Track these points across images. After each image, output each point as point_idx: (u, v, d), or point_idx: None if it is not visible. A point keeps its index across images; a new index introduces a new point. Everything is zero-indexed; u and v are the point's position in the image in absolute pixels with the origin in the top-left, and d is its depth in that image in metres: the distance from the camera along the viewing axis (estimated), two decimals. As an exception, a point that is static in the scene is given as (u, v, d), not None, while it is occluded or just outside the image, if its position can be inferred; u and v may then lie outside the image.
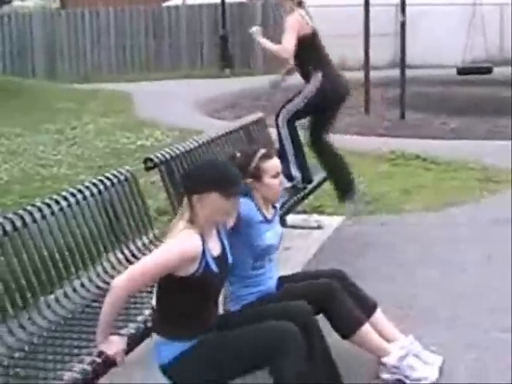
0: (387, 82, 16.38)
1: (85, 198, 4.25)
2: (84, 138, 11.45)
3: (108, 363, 3.22)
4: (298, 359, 3.39)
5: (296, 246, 6.28)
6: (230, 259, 3.55)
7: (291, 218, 6.88)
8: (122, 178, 4.66)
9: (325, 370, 3.69)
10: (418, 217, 7.13)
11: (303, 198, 6.34)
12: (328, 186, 7.51)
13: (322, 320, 3.90)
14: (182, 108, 14.60)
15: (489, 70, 16.40)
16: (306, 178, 6.28)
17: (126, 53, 23.00)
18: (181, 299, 3.34)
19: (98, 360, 3.19)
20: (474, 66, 16.14)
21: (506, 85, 16.81)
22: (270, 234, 3.97)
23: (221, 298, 3.71)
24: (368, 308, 4.14)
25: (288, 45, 6.13)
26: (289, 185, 6.13)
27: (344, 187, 6.67)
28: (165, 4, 24.03)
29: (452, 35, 19.70)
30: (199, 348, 3.38)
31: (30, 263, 3.67)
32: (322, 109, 6.35)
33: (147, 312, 3.61)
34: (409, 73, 15.72)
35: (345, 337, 3.99)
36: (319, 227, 6.79)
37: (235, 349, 3.39)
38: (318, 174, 6.59)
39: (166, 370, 3.42)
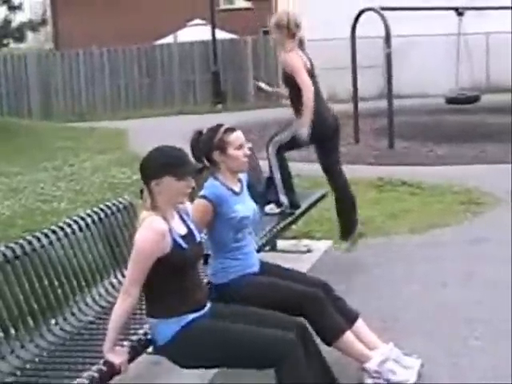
0: (376, 112, 16.78)
1: (87, 225, 4.59)
2: (82, 174, 11.82)
3: (113, 371, 3.54)
4: (300, 365, 3.67)
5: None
6: (199, 238, 3.85)
7: (281, 244, 7.24)
8: (121, 206, 5.01)
9: (324, 380, 3.97)
10: (403, 238, 7.48)
11: (291, 223, 6.65)
12: (316, 212, 7.89)
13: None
14: (175, 143, 14.76)
15: (476, 99, 16.84)
16: (294, 204, 6.58)
17: (120, 91, 23.52)
18: (161, 279, 3.62)
19: (104, 368, 3.50)
20: (462, 96, 16.56)
21: (492, 112, 17.28)
22: (241, 207, 4.31)
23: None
24: (350, 318, 4.47)
25: (307, 84, 6.21)
26: (277, 210, 6.48)
27: (346, 227, 6.79)
28: (157, 42, 24.55)
29: (439, 65, 20.25)
30: (196, 327, 3.67)
31: (31, 289, 3.98)
32: (318, 142, 6.56)
33: (147, 325, 3.91)
34: (397, 103, 16.16)
35: (328, 343, 4.30)
36: (308, 251, 7.12)
37: (235, 345, 3.66)
38: (306, 201, 6.90)
39: (163, 349, 3.72)
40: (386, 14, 13.80)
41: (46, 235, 4.26)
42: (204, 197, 4.27)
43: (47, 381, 3.49)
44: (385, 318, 5.37)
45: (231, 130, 4.37)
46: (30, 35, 37.29)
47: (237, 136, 4.35)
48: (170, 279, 3.66)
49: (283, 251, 7.11)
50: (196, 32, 24.27)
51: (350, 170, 11.02)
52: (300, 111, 6.36)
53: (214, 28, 22.44)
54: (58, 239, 4.32)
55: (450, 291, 5.93)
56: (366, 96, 18.88)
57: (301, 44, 6.41)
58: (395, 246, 7.24)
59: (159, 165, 3.65)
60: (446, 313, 5.47)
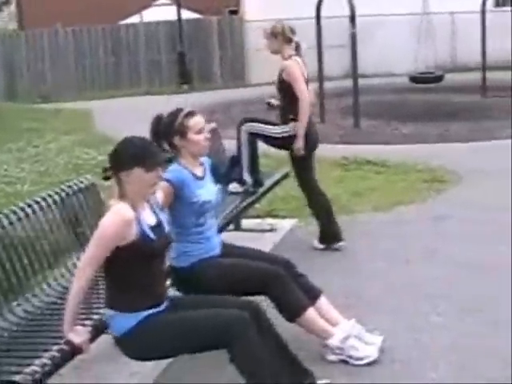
0: (342, 92, 16.80)
1: (48, 205, 4.58)
2: (46, 155, 11.72)
3: (74, 351, 3.54)
4: (252, 344, 3.68)
5: (249, 247, 6.60)
6: (167, 229, 3.85)
7: (245, 223, 7.26)
8: (82, 186, 5.00)
9: (284, 359, 3.94)
10: (367, 216, 7.54)
11: (254, 202, 6.68)
12: (280, 190, 7.91)
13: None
14: (142, 123, 14.68)
15: (440, 78, 16.94)
16: (258, 183, 6.60)
17: (86, 71, 23.30)
18: (125, 269, 3.61)
19: (65, 348, 3.50)
20: (425, 76, 16.62)
21: (456, 91, 17.39)
22: (203, 191, 4.33)
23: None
24: (313, 295, 4.51)
25: (303, 94, 6.18)
26: (240, 189, 6.48)
27: (327, 237, 6.57)
28: (122, 22, 24.34)
29: (404, 44, 20.30)
30: (152, 323, 3.66)
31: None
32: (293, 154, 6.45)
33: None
34: (363, 82, 16.21)
35: (290, 320, 4.34)
36: (272, 230, 7.15)
37: (188, 331, 3.67)
38: (269, 180, 6.93)
39: (119, 342, 3.72)
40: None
41: (7, 216, 4.24)
42: (166, 180, 4.27)
43: (9, 361, 3.48)
44: (348, 294, 5.43)
45: (191, 114, 4.36)
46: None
47: (197, 120, 4.35)
48: (134, 270, 3.63)
49: (247, 230, 7.13)
50: (162, 12, 24.07)
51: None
52: (288, 120, 6.33)
53: (179, 8, 22.30)
54: (19, 219, 4.30)
55: (412, 268, 6.00)
56: (333, 75, 18.93)
57: (297, 49, 6.37)
58: (359, 223, 7.29)
59: (128, 156, 3.63)
60: (409, 289, 5.54)
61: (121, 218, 3.55)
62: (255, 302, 4.00)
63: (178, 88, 22.06)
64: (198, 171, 4.41)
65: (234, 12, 24.80)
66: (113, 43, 23.32)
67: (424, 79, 17.22)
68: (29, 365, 3.35)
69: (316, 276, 5.65)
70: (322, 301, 4.57)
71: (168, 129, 4.31)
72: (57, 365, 3.44)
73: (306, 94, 6.20)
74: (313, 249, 6.53)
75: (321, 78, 14.73)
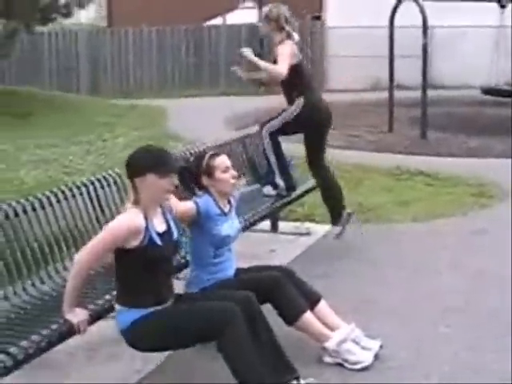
0: (415, 101, 16.80)
1: (74, 195, 4.88)
2: (112, 149, 12.14)
3: (72, 331, 3.81)
4: (240, 334, 3.89)
5: (281, 249, 6.83)
6: (176, 235, 4.09)
7: (283, 225, 7.46)
8: (111, 180, 5.27)
9: (271, 354, 4.11)
10: (404, 226, 7.63)
11: (286, 205, 6.87)
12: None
13: (268, 309, 4.46)
14: (213, 123, 15.18)
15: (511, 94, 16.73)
16: (290, 187, 6.77)
17: (167, 70, 23.82)
18: (132, 271, 3.89)
19: (63, 327, 3.78)
20: (497, 88, 16.44)
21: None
22: (227, 226, 4.55)
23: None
24: (312, 300, 4.65)
25: (282, 69, 6.37)
26: (273, 192, 6.68)
27: (335, 214, 6.86)
28: (206, 23, 24.79)
29: (481, 57, 20.09)
30: (153, 316, 3.92)
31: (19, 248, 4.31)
32: (307, 131, 6.69)
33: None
34: (437, 93, 16.21)
35: (289, 323, 4.51)
36: (307, 234, 7.31)
37: (181, 322, 3.91)
38: (303, 184, 7.10)
39: (124, 333, 3.98)
40: (431, 4, 13.84)
41: (40, 200, 4.57)
42: (196, 202, 4.51)
43: (9, 334, 3.78)
44: (362, 300, 5.56)
45: (216, 154, 4.59)
46: (91, 13, 37.90)
47: (222, 160, 4.57)
48: (140, 272, 3.89)
49: (283, 233, 7.32)
50: (245, 15, 24.43)
51: (374, 158, 11.40)
52: (293, 101, 6.55)
53: (260, 11, 22.52)
54: (42, 208, 4.59)
55: (435, 279, 6.07)
56: (408, 85, 18.90)
57: (288, 37, 6.50)
58: (394, 232, 7.39)
59: (142, 163, 3.89)
60: (425, 300, 5.62)
61: (128, 225, 3.81)
62: (246, 294, 4.17)
63: (255, 90, 22.31)
64: (226, 207, 4.62)
65: (317, 18, 24.94)
66: (195, 44, 23.79)
67: (497, 92, 17.04)
68: (25, 338, 3.63)
69: (335, 280, 5.88)
70: (322, 305, 4.69)
71: (195, 170, 4.55)
72: (52, 342, 3.72)
73: (283, 69, 6.32)
74: (340, 254, 6.66)
75: (391, 87, 14.78)
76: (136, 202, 3.90)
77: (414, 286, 5.93)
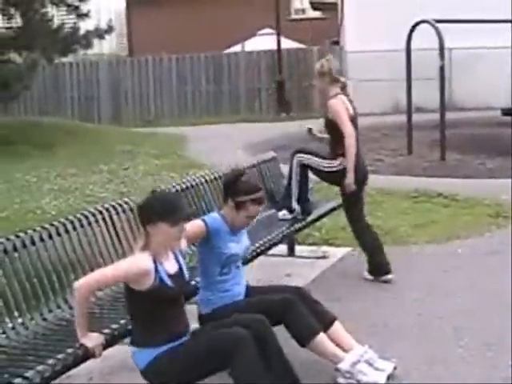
0: (435, 124, 16.84)
1: (90, 223, 4.99)
2: (132, 177, 12.30)
3: (87, 355, 3.90)
4: (251, 361, 3.95)
5: (297, 272, 6.89)
6: (187, 276, 4.19)
7: (300, 249, 7.52)
8: (126, 207, 5.38)
9: (282, 376, 4.19)
10: (420, 248, 7.67)
11: (302, 229, 6.93)
12: (341, 219, 8.13)
13: (282, 331, 4.52)
14: (232, 150, 15.30)
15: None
16: (306, 211, 6.85)
17: (187, 97, 24.07)
18: (144, 311, 3.98)
19: (78, 351, 3.87)
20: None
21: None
22: (234, 244, 4.63)
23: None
24: (327, 321, 4.70)
25: (349, 132, 6.34)
26: (289, 216, 6.76)
27: (376, 269, 6.68)
28: (226, 51, 25.05)
29: (500, 78, 20.13)
30: (168, 354, 4.00)
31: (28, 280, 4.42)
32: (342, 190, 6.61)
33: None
34: (455, 115, 16.24)
35: (302, 345, 4.56)
36: (324, 257, 7.37)
37: (197, 356, 3.99)
38: (319, 208, 7.17)
39: (144, 374, 4.07)
40: (448, 26, 13.92)
41: (57, 228, 4.67)
42: (203, 220, 4.60)
43: (26, 359, 3.87)
44: (376, 322, 5.62)
45: (258, 202, 4.61)
46: (113, 42, 38.40)
47: (257, 210, 4.63)
48: (152, 312, 3.98)
49: (300, 257, 7.39)
50: (264, 41, 24.66)
51: (393, 181, 11.46)
52: (336, 156, 6.51)
53: (279, 37, 22.79)
54: (59, 235, 4.71)
55: (448, 301, 6.11)
56: (427, 108, 18.96)
57: (343, 89, 6.54)
58: (409, 255, 7.44)
59: (154, 211, 3.97)
60: (439, 321, 5.66)
61: (137, 268, 3.90)
62: (259, 317, 4.25)
63: (275, 116, 22.50)
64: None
65: (336, 42, 25.12)
66: (214, 71, 24.03)
67: (515, 112, 17.05)
68: (42, 363, 3.73)
69: (350, 302, 5.94)
70: (336, 327, 4.73)
71: (232, 191, 4.60)
72: (68, 366, 3.81)
73: (350, 128, 6.36)
74: (356, 277, 6.72)
75: (409, 109, 14.84)
76: (145, 247, 3.99)
77: (427, 308, 5.96)
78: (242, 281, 4.76)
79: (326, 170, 6.59)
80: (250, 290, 4.79)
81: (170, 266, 4.07)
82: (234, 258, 4.64)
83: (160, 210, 3.96)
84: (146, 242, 3.99)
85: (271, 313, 4.44)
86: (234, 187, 4.61)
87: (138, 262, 3.93)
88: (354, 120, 6.49)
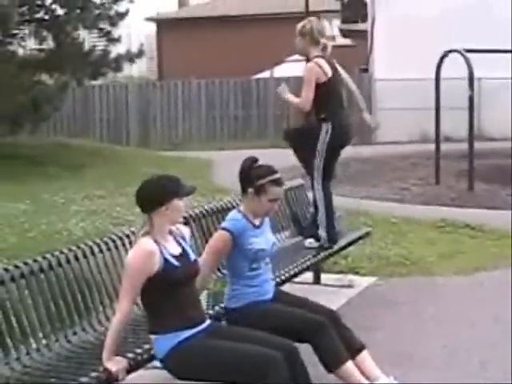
0: (464, 154, 16.77)
1: (109, 249, 4.99)
2: (159, 201, 12.30)
3: (110, 379, 3.90)
4: (282, 379, 3.94)
5: (323, 300, 6.76)
6: (193, 257, 4.20)
7: (326, 278, 7.49)
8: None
9: None
10: (445, 279, 7.62)
11: (328, 257, 6.90)
12: (367, 248, 8.13)
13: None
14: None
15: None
16: (332, 239, 6.81)
17: (216, 122, 24.17)
18: (156, 296, 4.01)
19: (102, 374, 3.87)
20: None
21: None
22: (259, 240, 4.62)
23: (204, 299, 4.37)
24: (355, 348, 4.68)
25: (306, 98, 6.43)
26: (316, 245, 6.73)
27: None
28: (254, 77, 25.17)
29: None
30: (192, 345, 4.00)
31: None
32: (330, 152, 6.67)
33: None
34: (484, 145, 16.18)
35: (329, 370, 4.54)
36: (350, 286, 7.33)
37: (227, 360, 3.97)
38: (346, 237, 7.15)
39: (164, 362, 4.07)
40: (479, 56, 13.90)
41: (76, 253, 4.69)
42: (225, 228, 4.61)
43: (50, 381, 3.88)
44: (401, 352, 5.58)
45: (278, 183, 4.61)
46: (143, 65, 38.75)
47: (277, 192, 4.62)
48: (164, 296, 4.01)
49: (326, 285, 7.36)
50: (293, 68, 24.70)
51: (421, 211, 11.41)
52: (320, 122, 6.57)
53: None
54: (76, 259, 4.71)
55: (474, 332, 6.06)
56: (456, 137, 18.92)
57: (324, 50, 6.55)
58: (436, 286, 7.39)
59: (167, 190, 4.06)
60: (465, 353, 5.61)
61: (144, 251, 3.97)
62: (292, 344, 4.23)
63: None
64: (257, 220, 4.70)
65: (365, 70, 25.13)
66: (243, 96, 24.12)
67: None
68: (65, 387, 3.74)
69: (375, 331, 5.91)
70: (363, 355, 4.71)
71: (252, 178, 4.57)
72: (92, 389, 3.81)
73: (307, 98, 6.40)
74: (381, 307, 6.68)
75: (438, 139, 14.80)
76: (146, 234, 4.04)
77: (453, 340, 5.91)
78: (269, 278, 4.77)
79: (324, 148, 6.58)
80: (278, 293, 4.79)
81: (172, 247, 4.10)
82: (261, 254, 4.63)
83: (171, 186, 4.07)
84: (149, 229, 4.04)
85: (302, 330, 4.47)
86: (250, 174, 4.59)
87: (142, 245, 3.99)
88: (332, 81, 6.51)
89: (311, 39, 6.53)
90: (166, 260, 4.01)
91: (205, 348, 4.02)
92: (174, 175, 4.26)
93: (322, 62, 6.51)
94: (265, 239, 4.69)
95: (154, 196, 4.09)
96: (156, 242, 4.03)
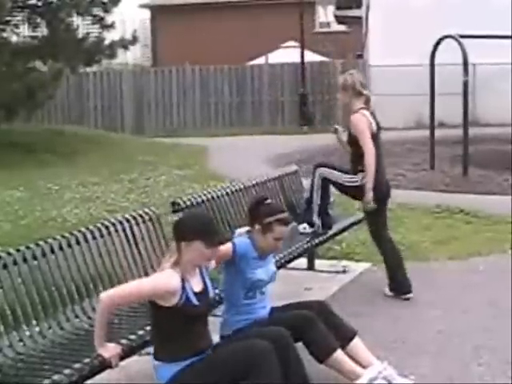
0: (459, 139, 16.76)
1: (109, 233, 4.98)
2: (154, 188, 12.32)
3: (104, 365, 3.89)
4: (271, 373, 3.96)
5: (317, 286, 6.85)
6: (212, 294, 4.20)
7: (320, 263, 7.48)
8: (146, 217, 5.38)
9: None
10: (440, 264, 7.62)
11: (322, 243, 6.90)
12: (361, 234, 8.11)
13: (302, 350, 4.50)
14: (254, 162, 15.31)
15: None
16: (326, 225, 6.81)
17: (210, 109, 24.13)
18: (169, 327, 3.99)
19: (95, 361, 3.86)
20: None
21: None
22: (261, 271, 4.63)
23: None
24: (346, 336, 4.68)
25: (369, 149, 6.26)
26: (310, 230, 6.73)
27: (399, 285, 6.60)
28: (248, 63, 25.10)
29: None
30: (191, 369, 4.00)
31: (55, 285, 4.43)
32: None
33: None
34: (479, 131, 16.16)
35: (320, 361, 4.54)
36: (344, 272, 7.33)
37: (217, 366, 4.00)
38: (340, 222, 7.14)
39: None
40: (472, 42, 13.87)
41: (78, 237, 4.68)
42: (233, 243, 4.60)
43: (43, 368, 3.88)
44: (395, 339, 5.57)
45: (284, 223, 4.63)
46: (137, 52, 38.61)
47: (283, 231, 4.64)
48: (177, 329, 3.99)
49: (320, 271, 7.36)
50: (287, 54, 24.69)
51: (416, 196, 11.41)
52: (357, 171, 6.44)
53: (302, 50, 22.82)
54: (78, 243, 4.71)
55: (467, 318, 6.06)
56: (451, 123, 18.90)
57: (367, 103, 6.47)
58: (430, 271, 7.38)
59: (193, 229, 4.01)
60: (458, 338, 5.61)
61: (166, 285, 3.91)
62: (281, 330, 4.24)
63: (298, 129, 22.49)
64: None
65: (360, 56, 25.10)
66: (238, 83, 24.07)
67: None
68: (57, 372, 3.72)
69: (370, 317, 5.91)
70: (355, 342, 4.71)
71: (256, 216, 4.61)
72: (84, 376, 3.81)
73: (370, 146, 6.27)
74: (375, 293, 6.67)
75: (432, 124, 14.81)
76: (176, 264, 4.00)
77: (446, 325, 5.91)
78: (265, 305, 4.75)
79: (348, 184, 6.55)
80: (273, 311, 4.78)
81: (196, 283, 4.08)
82: (259, 284, 4.63)
83: (200, 228, 4.00)
84: (177, 259, 4.01)
85: (290, 330, 4.41)
86: (258, 211, 4.63)
87: (166, 281, 3.93)
88: (376, 136, 6.43)
89: (354, 92, 6.43)
90: (187, 298, 3.97)
91: (202, 367, 4.02)
92: (210, 218, 4.28)
93: (368, 114, 6.42)
94: (266, 270, 4.70)
95: (182, 228, 4.06)
96: (182, 276, 3.98)
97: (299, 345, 4.47)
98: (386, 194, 6.65)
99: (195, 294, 4.02)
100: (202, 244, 3.97)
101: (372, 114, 6.49)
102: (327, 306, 4.81)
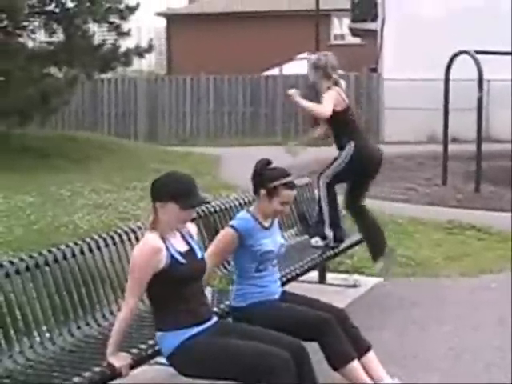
0: (471, 155, 16.70)
1: (122, 241, 4.99)
2: (166, 196, 12.28)
3: (114, 374, 3.89)
4: (290, 379, 3.91)
5: (328, 300, 6.73)
6: (200, 254, 4.17)
7: (331, 277, 7.47)
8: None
9: None
10: (451, 281, 7.59)
11: (334, 257, 6.89)
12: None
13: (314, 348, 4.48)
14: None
15: None
16: (338, 238, 6.80)
17: (223, 118, 24.15)
18: (163, 294, 3.98)
19: (105, 370, 3.86)
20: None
21: None
22: (268, 241, 4.61)
23: (209, 296, 4.36)
24: (361, 348, 4.67)
25: (325, 108, 6.46)
26: (322, 244, 6.72)
27: (376, 250, 6.92)
28: (263, 73, 25.12)
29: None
30: (197, 341, 3.97)
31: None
32: (358, 175, 6.79)
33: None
34: (492, 147, 16.11)
35: (335, 368, 4.53)
36: (355, 286, 7.31)
37: (234, 357, 3.93)
38: (352, 236, 7.13)
39: (170, 359, 4.05)
40: (487, 58, 13.85)
41: (81, 247, 4.68)
42: (233, 227, 4.60)
43: (54, 375, 3.87)
44: (406, 353, 5.56)
45: (290, 187, 4.63)
46: (152, 60, 38.78)
47: (289, 194, 4.63)
48: (171, 293, 3.99)
49: (331, 284, 7.34)
50: (303, 65, 24.65)
51: (427, 211, 11.38)
52: (343, 147, 6.62)
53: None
54: (82, 253, 4.70)
55: (478, 335, 6.03)
56: (464, 138, 18.84)
57: (335, 84, 6.63)
58: (441, 287, 7.36)
59: (167, 190, 3.99)
60: (468, 355, 5.59)
61: (149, 248, 3.93)
62: (300, 343, 4.21)
63: (312, 141, 22.42)
64: (266, 222, 4.69)
65: (374, 70, 25.08)
66: (251, 93, 24.09)
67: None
68: (67, 380, 3.72)
69: (379, 334, 5.88)
70: (370, 356, 4.71)
71: (263, 180, 4.60)
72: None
73: (327, 108, 6.43)
74: (386, 308, 6.66)
75: (445, 139, 14.76)
76: (153, 224, 4.01)
77: (456, 342, 5.88)
78: (276, 279, 4.76)
79: (344, 163, 6.62)
80: (285, 294, 4.77)
81: (179, 244, 4.07)
82: (269, 256, 4.62)
83: (173, 190, 3.97)
84: (154, 219, 4.01)
85: (307, 327, 4.46)
86: (263, 176, 4.61)
87: (149, 241, 3.95)
88: (348, 109, 6.66)
89: (324, 73, 6.63)
90: (172, 257, 3.98)
91: (212, 345, 4.00)
92: (191, 179, 4.13)
93: (340, 90, 6.63)
94: (273, 241, 4.68)
95: (157, 188, 4.05)
96: (163, 238, 4.00)
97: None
98: (374, 164, 6.79)
99: (180, 253, 4.01)
100: (177, 206, 3.95)
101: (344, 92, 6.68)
102: (347, 315, 4.80)
